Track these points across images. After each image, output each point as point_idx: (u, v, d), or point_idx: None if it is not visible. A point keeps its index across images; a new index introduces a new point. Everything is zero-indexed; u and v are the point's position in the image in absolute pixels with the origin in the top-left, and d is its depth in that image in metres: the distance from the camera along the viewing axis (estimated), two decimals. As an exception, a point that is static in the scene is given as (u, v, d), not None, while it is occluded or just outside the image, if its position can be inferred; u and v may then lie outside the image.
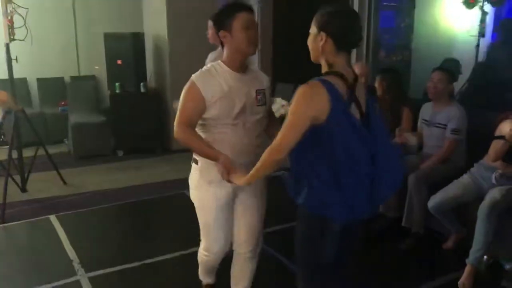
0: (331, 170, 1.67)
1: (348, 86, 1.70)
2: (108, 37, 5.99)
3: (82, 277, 3.01)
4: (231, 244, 2.39)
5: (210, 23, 3.76)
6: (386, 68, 4.42)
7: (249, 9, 2.07)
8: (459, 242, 3.31)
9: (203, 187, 2.19)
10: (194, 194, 2.25)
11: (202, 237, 2.34)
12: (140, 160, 5.74)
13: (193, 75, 2.08)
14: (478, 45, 6.69)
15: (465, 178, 3.17)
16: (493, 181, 2.95)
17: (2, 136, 5.73)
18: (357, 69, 4.08)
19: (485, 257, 2.94)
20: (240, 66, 2.11)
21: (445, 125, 3.41)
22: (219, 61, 2.13)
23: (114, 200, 4.38)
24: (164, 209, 4.32)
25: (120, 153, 5.91)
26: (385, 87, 3.83)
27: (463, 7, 7.27)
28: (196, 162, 2.18)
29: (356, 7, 4.81)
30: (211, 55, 3.72)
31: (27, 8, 4.23)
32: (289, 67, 6.08)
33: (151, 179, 4.99)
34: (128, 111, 5.90)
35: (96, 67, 6.80)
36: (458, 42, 6.97)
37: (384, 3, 6.25)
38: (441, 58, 5.47)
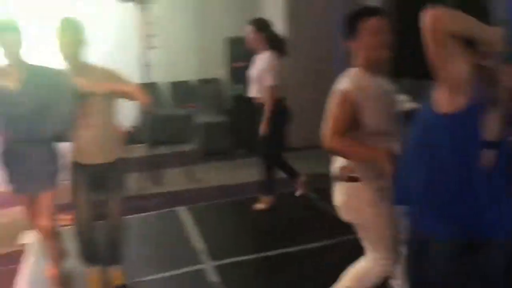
0: None
1: None
2: (230, 41, 6.30)
3: (208, 265, 3.23)
4: None
5: (249, 28, 3.91)
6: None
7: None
8: None
9: (377, 202, 2.06)
10: (368, 213, 2.07)
11: (376, 252, 2.16)
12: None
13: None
14: None
15: None
16: None
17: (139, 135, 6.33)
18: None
19: None
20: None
21: None
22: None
23: (237, 195, 4.61)
24: (286, 204, 4.40)
25: (243, 152, 6.17)
26: None
27: None
28: (355, 180, 2.06)
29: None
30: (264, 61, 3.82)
31: (159, 17, 4.65)
32: (412, 60, 5.82)
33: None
34: (249, 112, 6.12)
35: (219, 71, 7.17)
36: None
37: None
38: None
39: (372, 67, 2.05)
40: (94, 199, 2.74)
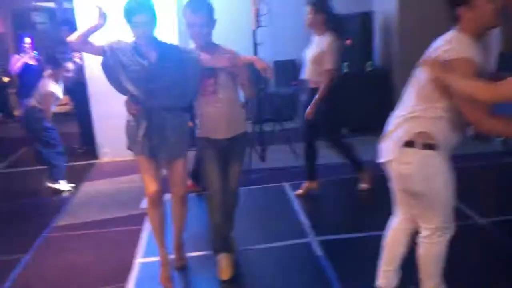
0: None
1: None
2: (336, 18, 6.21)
3: (313, 239, 3.33)
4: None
5: (309, 7, 3.74)
6: None
7: None
8: None
9: (449, 171, 2.10)
10: (440, 181, 2.09)
11: (437, 222, 2.16)
12: (365, 137, 5.86)
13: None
14: None
15: None
16: None
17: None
18: None
19: None
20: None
21: None
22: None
23: (341, 174, 4.63)
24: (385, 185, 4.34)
25: (345, 130, 6.13)
26: None
27: None
28: (432, 147, 2.04)
29: None
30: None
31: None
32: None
33: (373, 157, 5.07)
34: (355, 90, 6.06)
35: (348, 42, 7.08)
36: None
37: None
38: None
39: (479, 36, 2.00)
40: (221, 171, 2.85)
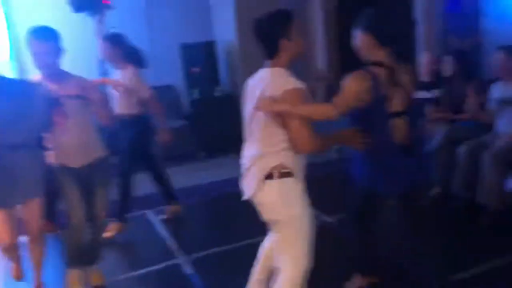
0: None
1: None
2: (183, 47, 6.47)
3: (181, 259, 3.40)
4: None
5: (104, 44, 3.79)
6: (454, 50, 4.53)
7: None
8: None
9: (304, 197, 2.20)
10: (298, 207, 2.17)
11: (298, 261, 2.19)
12: (220, 159, 6.15)
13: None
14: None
15: None
16: None
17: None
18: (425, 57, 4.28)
19: None
20: None
21: (517, 101, 3.44)
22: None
23: (200, 195, 4.79)
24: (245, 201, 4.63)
25: (203, 154, 6.35)
26: (456, 66, 4.05)
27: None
28: (288, 175, 2.14)
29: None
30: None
31: (115, 27, 4.77)
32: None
33: (232, 175, 5.34)
34: (207, 115, 6.33)
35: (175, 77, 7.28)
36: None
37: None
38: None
39: (288, 67, 2.18)
40: (83, 200, 2.82)
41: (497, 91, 3.66)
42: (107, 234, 3.66)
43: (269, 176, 2.15)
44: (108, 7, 4.72)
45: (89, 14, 4.73)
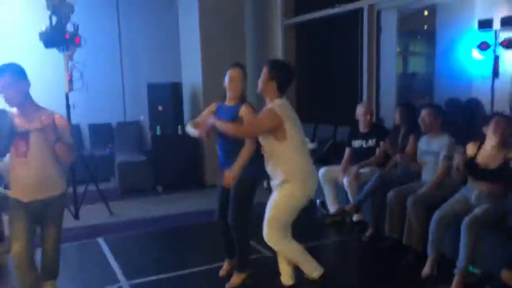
0: None
1: None
2: (150, 86, 6.81)
3: (124, 283, 3.59)
4: None
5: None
6: (404, 102, 5.02)
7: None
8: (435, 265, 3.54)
9: None
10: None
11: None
12: (177, 194, 6.39)
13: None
14: (492, 86, 7.10)
15: (458, 195, 3.58)
16: (472, 201, 3.39)
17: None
18: (360, 108, 4.73)
19: (476, 269, 3.34)
20: None
21: (438, 153, 3.87)
22: None
23: (152, 226, 5.01)
24: (195, 233, 4.90)
25: (159, 188, 6.58)
26: (402, 116, 4.51)
27: (477, 51, 7.77)
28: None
29: (365, 55, 5.43)
30: None
31: (84, 66, 5.07)
32: (311, 106, 6.73)
33: (187, 210, 5.61)
34: (167, 151, 6.61)
35: (142, 117, 7.59)
36: (476, 83, 7.34)
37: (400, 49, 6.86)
38: (461, 99, 5.80)
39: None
40: (33, 232, 2.90)
41: (422, 143, 4.10)
42: None
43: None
44: (78, 45, 5.02)
45: (60, 50, 5.01)
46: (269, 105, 3.03)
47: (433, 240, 3.50)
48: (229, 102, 3.34)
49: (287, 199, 3.04)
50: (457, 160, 3.42)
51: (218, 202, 3.51)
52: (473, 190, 3.46)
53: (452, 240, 3.53)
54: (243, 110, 3.21)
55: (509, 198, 3.38)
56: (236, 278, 3.40)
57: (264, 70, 3.08)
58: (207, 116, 3.30)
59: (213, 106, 3.46)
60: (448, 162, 3.77)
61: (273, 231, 3.07)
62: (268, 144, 3.05)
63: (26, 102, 2.80)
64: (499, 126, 3.33)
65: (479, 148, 3.46)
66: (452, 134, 3.95)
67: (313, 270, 3.15)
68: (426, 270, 3.52)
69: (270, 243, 3.12)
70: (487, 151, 3.40)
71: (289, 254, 3.17)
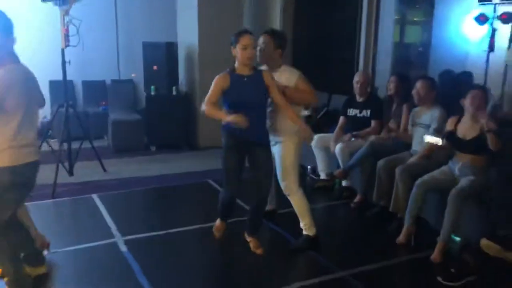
0: None
1: None
2: (146, 45, 6.76)
3: (119, 239, 3.71)
4: None
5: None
6: (398, 72, 5.05)
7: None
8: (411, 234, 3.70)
9: None
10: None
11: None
12: (170, 154, 6.47)
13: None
14: (488, 60, 7.15)
15: (444, 167, 3.71)
16: (456, 173, 3.51)
17: (51, 131, 6.50)
18: (357, 77, 4.76)
19: (456, 238, 3.50)
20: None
21: (429, 125, 3.96)
22: None
23: (145, 185, 5.10)
24: (187, 193, 5.01)
25: (153, 148, 6.65)
26: (396, 87, 4.59)
27: (475, 23, 7.77)
28: None
29: (363, 23, 5.42)
30: None
31: (80, 20, 5.01)
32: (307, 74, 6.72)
33: (179, 170, 5.70)
34: (161, 111, 6.64)
35: (133, 75, 7.57)
36: (472, 56, 7.36)
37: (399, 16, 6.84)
38: (456, 71, 5.85)
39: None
40: None
41: (414, 115, 4.18)
42: None
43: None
44: (75, -1, 4.94)
45: (56, 4, 4.93)
46: (291, 72, 3.42)
47: (410, 207, 3.66)
48: (243, 71, 3.19)
49: (296, 146, 3.44)
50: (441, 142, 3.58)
51: (234, 170, 3.29)
52: (457, 163, 3.58)
53: (436, 210, 3.67)
54: (295, 78, 3.39)
55: (492, 171, 3.50)
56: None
57: (267, 40, 3.26)
58: (215, 95, 3.17)
59: (222, 81, 3.17)
60: (438, 135, 3.86)
61: (293, 178, 3.44)
62: (278, 101, 3.28)
63: (6, 61, 2.57)
64: (475, 98, 3.45)
65: (459, 121, 3.60)
66: (445, 106, 4.02)
67: (313, 226, 3.54)
68: (400, 238, 3.69)
69: (291, 192, 3.48)
70: (465, 123, 3.55)
71: (301, 204, 3.52)
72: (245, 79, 3.18)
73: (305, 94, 3.40)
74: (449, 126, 3.67)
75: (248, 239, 3.54)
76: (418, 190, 3.62)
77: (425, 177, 3.65)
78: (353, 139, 4.67)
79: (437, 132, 3.87)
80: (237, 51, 3.13)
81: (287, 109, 3.27)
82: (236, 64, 3.21)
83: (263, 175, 3.29)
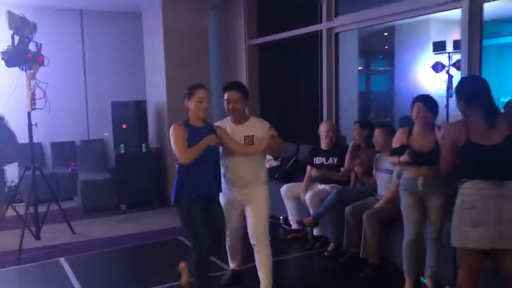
0: None
1: None
2: (114, 104, 6.82)
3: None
4: None
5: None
6: (363, 120, 5.21)
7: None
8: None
9: None
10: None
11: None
12: (140, 212, 6.38)
13: None
14: (447, 105, 7.49)
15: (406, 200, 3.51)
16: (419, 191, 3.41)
17: (18, 195, 6.36)
18: (322, 126, 4.89)
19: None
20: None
21: (391, 170, 4.06)
22: None
23: (115, 245, 4.99)
24: (158, 251, 4.92)
25: (123, 206, 6.56)
26: (359, 134, 4.69)
27: (432, 72, 8.21)
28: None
29: (324, 75, 5.64)
30: None
31: (47, 83, 5.06)
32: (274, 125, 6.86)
33: (149, 228, 5.61)
34: (131, 169, 6.61)
35: (106, 134, 7.57)
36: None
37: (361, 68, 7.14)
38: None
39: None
40: None
41: (377, 161, 4.29)
42: None
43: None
44: (41, 63, 5.01)
45: (22, 69, 4.99)
46: (261, 122, 3.56)
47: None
48: (196, 123, 3.28)
49: (267, 198, 3.52)
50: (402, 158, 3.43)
51: (202, 224, 3.22)
52: (418, 180, 3.39)
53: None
54: (267, 129, 3.46)
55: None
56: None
57: (238, 96, 3.43)
58: (184, 142, 3.16)
59: (182, 129, 3.22)
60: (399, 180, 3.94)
61: (267, 229, 3.50)
62: (236, 149, 3.39)
63: None
64: (419, 111, 3.38)
65: (410, 134, 3.48)
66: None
67: (270, 282, 3.48)
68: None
69: (266, 244, 3.48)
70: (418, 135, 3.42)
71: (270, 258, 3.49)
72: (202, 130, 3.24)
73: (281, 145, 3.47)
74: (400, 139, 3.52)
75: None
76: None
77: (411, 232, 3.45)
78: (323, 186, 4.73)
79: (399, 177, 3.95)
80: (191, 104, 3.23)
81: (246, 151, 3.38)
82: (189, 116, 3.29)
83: (218, 232, 3.34)
